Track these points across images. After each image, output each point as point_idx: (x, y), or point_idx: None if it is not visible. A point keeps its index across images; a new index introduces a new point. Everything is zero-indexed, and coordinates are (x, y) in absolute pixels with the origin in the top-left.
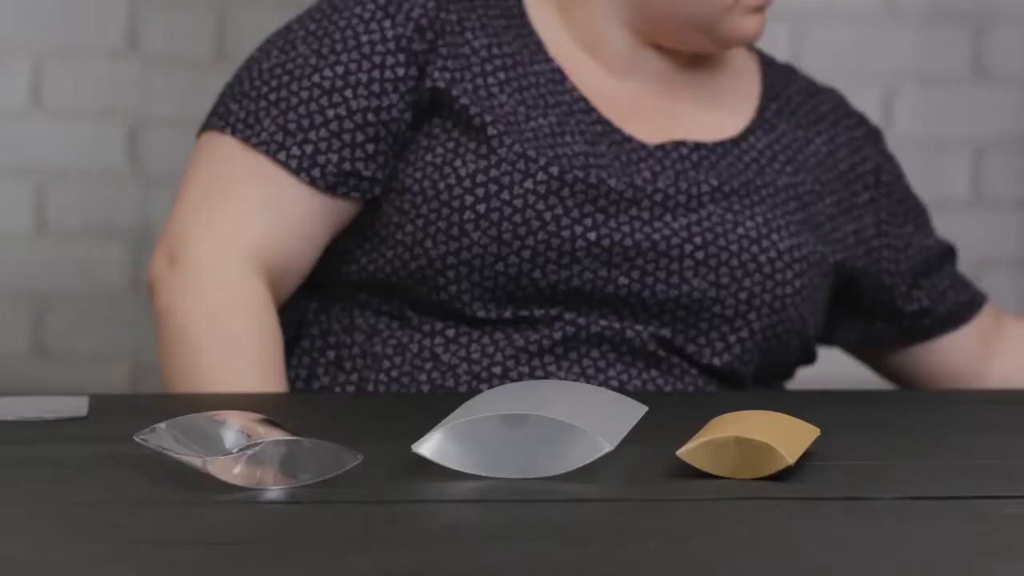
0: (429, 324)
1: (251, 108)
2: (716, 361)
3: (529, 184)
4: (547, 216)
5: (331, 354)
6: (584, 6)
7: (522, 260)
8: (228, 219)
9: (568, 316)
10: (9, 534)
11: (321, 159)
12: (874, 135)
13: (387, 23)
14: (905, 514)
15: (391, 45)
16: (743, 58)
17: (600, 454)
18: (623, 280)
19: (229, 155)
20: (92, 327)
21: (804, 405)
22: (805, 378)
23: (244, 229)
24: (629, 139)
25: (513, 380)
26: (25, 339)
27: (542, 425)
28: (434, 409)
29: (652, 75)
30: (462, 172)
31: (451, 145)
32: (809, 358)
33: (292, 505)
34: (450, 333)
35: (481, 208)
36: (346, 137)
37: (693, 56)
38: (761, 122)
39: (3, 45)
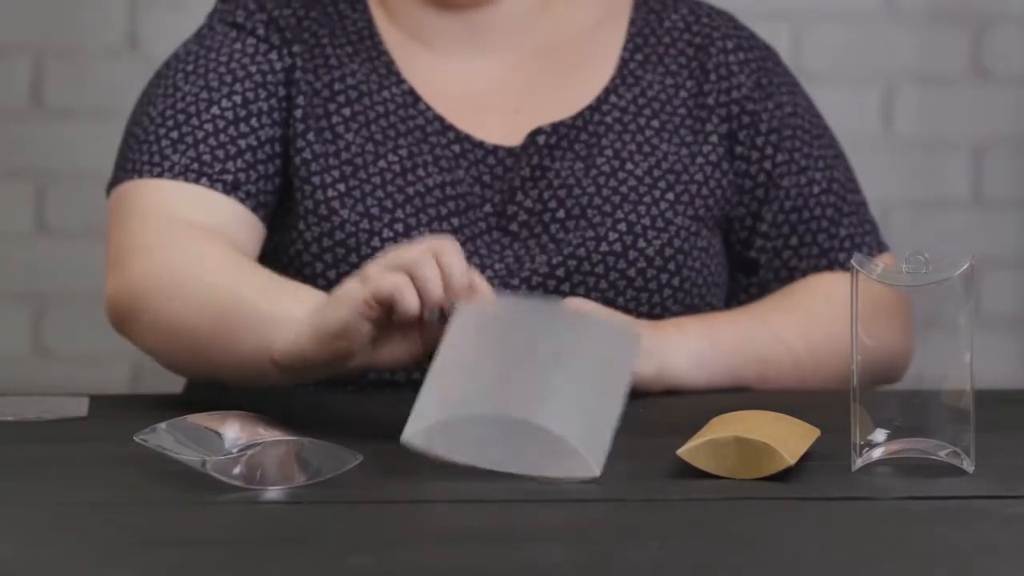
0: None
1: (154, 150)
2: None
3: (377, 242)
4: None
5: None
6: (402, 7)
7: None
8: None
9: None
10: (9, 533)
11: (243, 186)
12: (757, 58)
13: (273, 55)
14: (905, 514)
15: (281, 76)
16: (608, 3)
17: (586, 478)
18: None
19: (144, 193)
20: (92, 327)
21: (804, 405)
22: None
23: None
24: (494, 149)
25: None
26: (25, 339)
27: (536, 429)
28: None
29: (496, 49)
30: (315, 231)
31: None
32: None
33: (292, 505)
34: None
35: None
36: (261, 168)
37: (533, 20)
38: (623, 76)
39: (3, 45)
